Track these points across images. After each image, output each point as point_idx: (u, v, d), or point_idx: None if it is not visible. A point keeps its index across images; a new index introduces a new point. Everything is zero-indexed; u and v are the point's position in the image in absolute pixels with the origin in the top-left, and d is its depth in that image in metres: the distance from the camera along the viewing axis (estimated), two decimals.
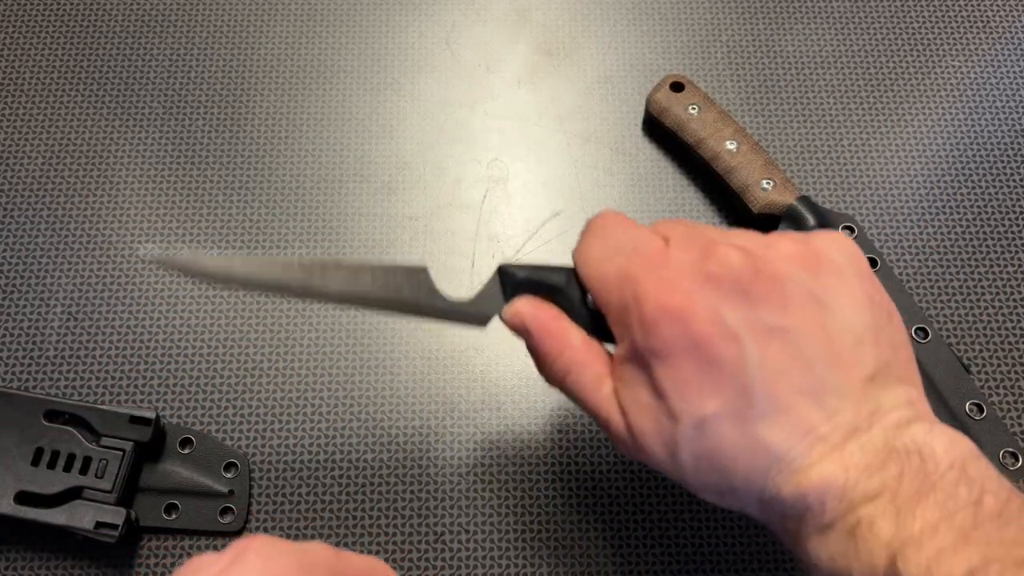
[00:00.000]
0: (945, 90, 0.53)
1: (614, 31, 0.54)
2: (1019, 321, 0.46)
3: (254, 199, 0.49)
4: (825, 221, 0.45)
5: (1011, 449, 0.40)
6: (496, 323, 0.35)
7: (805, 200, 0.45)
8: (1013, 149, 0.51)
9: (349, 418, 0.44)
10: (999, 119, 0.52)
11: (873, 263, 0.44)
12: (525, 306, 0.34)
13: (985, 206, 0.49)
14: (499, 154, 0.51)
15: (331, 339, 0.45)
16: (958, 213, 0.49)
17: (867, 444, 0.27)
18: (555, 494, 0.42)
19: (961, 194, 0.50)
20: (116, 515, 0.38)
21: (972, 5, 0.55)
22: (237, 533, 0.41)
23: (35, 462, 0.39)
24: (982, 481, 0.26)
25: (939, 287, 0.47)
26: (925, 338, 0.42)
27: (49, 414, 0.41)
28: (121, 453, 0.40)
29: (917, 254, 0.48)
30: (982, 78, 0.53)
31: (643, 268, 0.31)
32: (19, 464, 0.39)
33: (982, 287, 0.47)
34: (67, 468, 0.39)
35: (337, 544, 0.41)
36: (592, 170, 0.50)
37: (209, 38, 0.53)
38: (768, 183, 0.46)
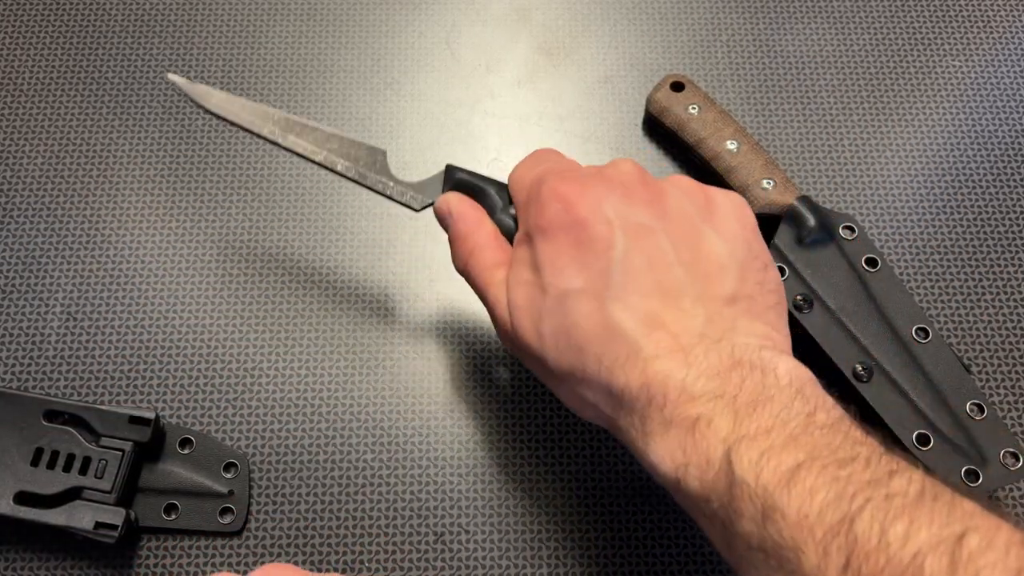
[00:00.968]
0: (945, 90, 0.53)
1: (614, 31, 0.54)
2: (1019, 321, 0.46)
3: (254, 199, 0.49)
4: (825, 221, 0.45)
5: (1011, 449, 0.40)
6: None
7: (805, 200, 0.45)
8: (1013, 149, 0.51)
9: (349, 418, 0.44)
10: (999, 119, 0.52)
11: (873, 263, 0.44)
12: (454, 197, 0.38)
13: (985, 206, 0.49)
14: (499, 154, 0.50)
15: (331, 339, 0.45)
16: (958, 213, 0.49)
17: (713, 350, 0.29)
18: (555, 494, 0.42)
19: (961, 194, 0.50)
20: (115, 515, 0.38)
21: (972, 5, 0.55)
22: (237, 533, 0.41)
23: (34, 462, 0.39)
24: (816, 400, 0.28)
25: (939, 287, 0.47)
26: (925, 338, 0.42)
27: (48, 414, 0.41)
28: (121, 453, 0.40)
29: (917, 254, 0.48)
30: (982, 78, 0.53)
31: (553, 172, 0.35)
32: (18, 464, 0.39)
33: (982, 287, 0.47)
34: (66, 468, 0.39)
35: (337, 544, 0.41)
36: None
37: (209, 38, 0.53)
38: (768, 183, 0.46)
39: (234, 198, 0.49)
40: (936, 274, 0.48)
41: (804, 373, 0.29)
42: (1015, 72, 0.53)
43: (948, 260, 0.48)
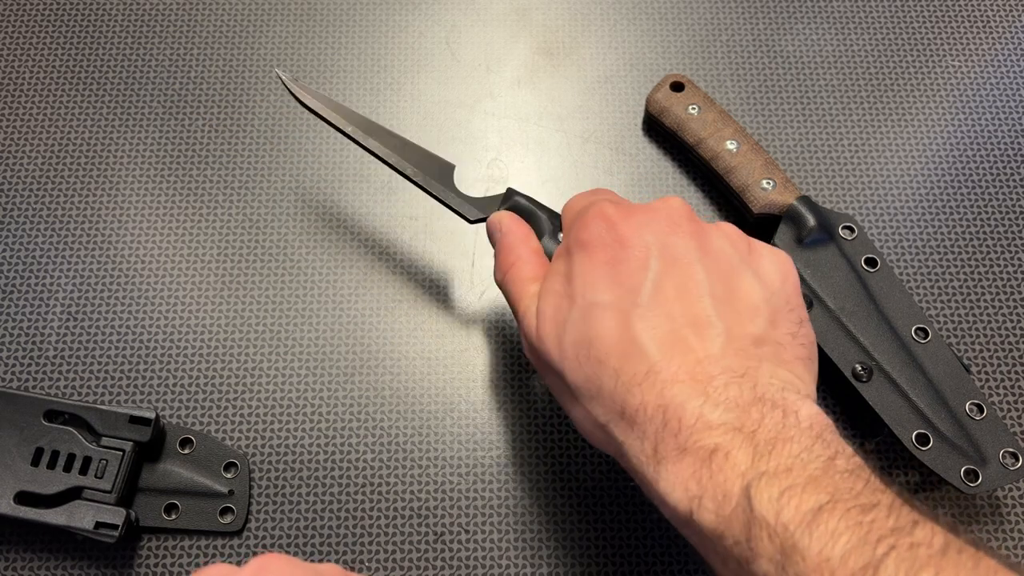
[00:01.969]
0: (945, 90, 0.53)
1: (614, 31, 0.54)
2: (1019, 321, 0.46)
3: (254, 199, 0.49)
4: (825, 221, 0.45)
5: (1011, 449, 0.40)
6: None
7: (805, 200, 0.45)
8: (1013, 149, 0.51)
9: (349, 418, 0.44)
10: (999, 119, 0.52)
11: (873, 263, 0.44)
12: (505, 215, 0.39)
13: (985, 206, 0.49)
14: (499, 153, 0.51)
15: (331, 339, 0.45)
16: (958, 213, 0.49)
17: (734, 383, 0.29)
18: (555, 494, 0.42)
19: (961, 194, 0.50)
20: (116, 515, 0.38)
21: (972, 5, 0.55)
22: (237, 533, 0.41)
23: (35, 462, 0.39)
24: (836, 445, 0.28)
25: (939, 287, 0.47)
26: (925, 338, 0.42)
27: (49, 414, 0.41)
28: (121, 453, 0.40)
29: (917, 254, 0.48)
30: (982, 78, 0.53)
31: (605, 199, 0.35)
32: (19, 464, 0.39)
33: (982, 287, 0.47)
34: (67, 468, 0.39)
35: (337, 544, 0.41)
36: (592, 170, 0.50)
37: (209, 38, 0.53)
38: (768, 183, 0.46)
39: (234, 198, 0.49)
40: (936, 274, 0.48)
41: (825, 420, 0.29)
42: (1015, 72, 0.53)
43: (948, 260, 0.48)
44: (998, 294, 0.47)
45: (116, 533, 0.38)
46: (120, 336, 0.45)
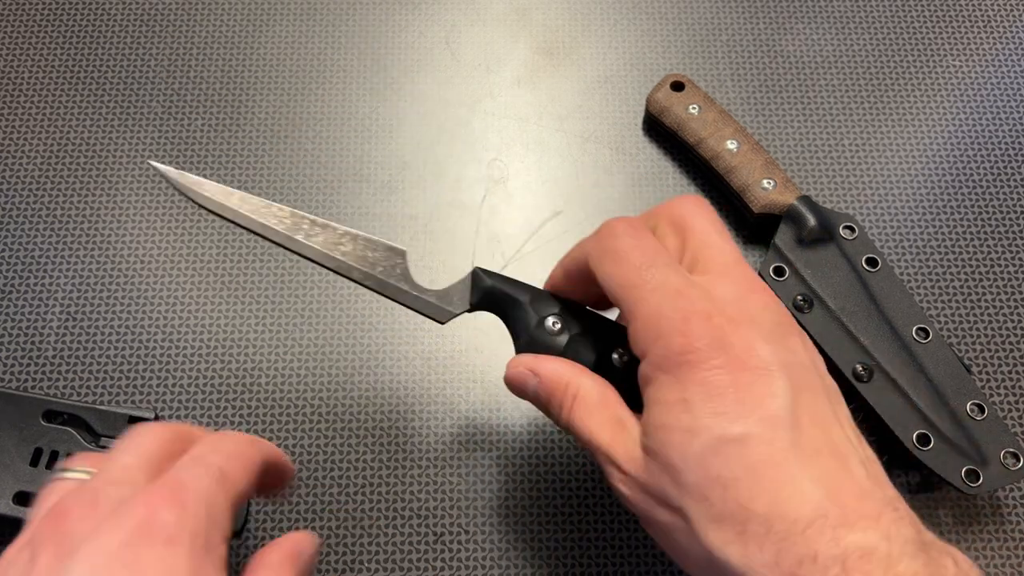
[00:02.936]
0: (945, 90, 0.53)
1: (614, 31, 0.54)
2: (1020, 321, 0.46)
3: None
4: (825, 221, 0.45)
5: (1012, 449, 0.40)
6: (455, 322, 0.37)
7: (805, 200, 0.45)
8: (1013, 149, 0.51)
9: (349, 418, 0.44)
10: (999, 119, 0.52)
11: (873, 263, 0.44)
12: (528, 358, 0.34)
13: (985, 206, 0.49)
14: (499, 154, 0.50)
15: (331, 339, 0.45)
16: (958, 213, 0.49)
17: (901, 521, 0.26)
18: (555, 494, 0.42)
19: (961, 194, 0.50)
20: None
21: (972, 5, 0.55)
22: (237, 534, 0.41)
23: (34, 462, 0.39)
24: None
25: (939, 287, 0.47)
26: (925, 338, 0.42)
27: (48, 414, 0.40)
28: None
29: (917, 254, 0.48)
30: (982, 78, 0.53)
31: (678, 282, 0.30)
32: (18, 464, 0.39)
33: (982, 287, 0.47)
34: None
35: (337, 544, 0.41)
36: (592, 170, 0.50)
37: (209, 38, 0.53)
38: (768, 183, 0.46)
39: None
40: (936, 274, 0.48)
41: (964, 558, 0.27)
42: (1015, 72, 0.53)
43: (948, 260, 0.48)
44: (999, 294, 0.47)
45: None
46: (119, 336, 0.45)
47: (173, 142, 0.50)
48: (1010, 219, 0.49)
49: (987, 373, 0.45)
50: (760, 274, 0.44)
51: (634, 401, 0.31)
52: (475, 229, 0.48)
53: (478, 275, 0.35)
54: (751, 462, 0.26)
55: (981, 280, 0.47)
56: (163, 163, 0.47)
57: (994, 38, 0.55)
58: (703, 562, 0.27)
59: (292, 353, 0.45)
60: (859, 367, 0.42)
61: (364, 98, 0.52)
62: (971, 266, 0.48)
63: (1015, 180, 0.50)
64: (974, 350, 0.46)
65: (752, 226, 0.47)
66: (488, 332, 0.46)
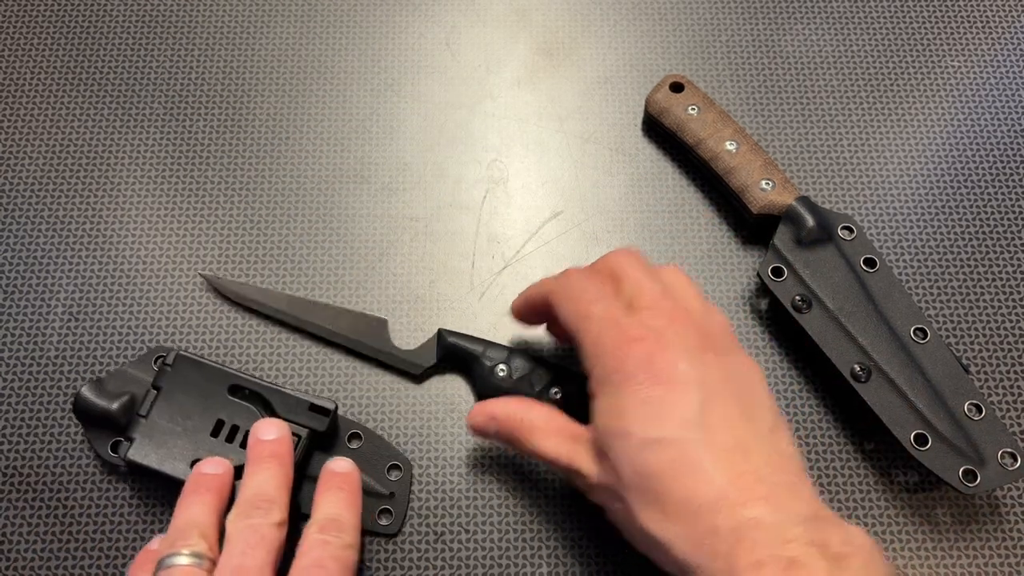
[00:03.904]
0: (945, 90, 0.53)
1: (614, 31, 0.54)
2: (1019, 321, 0.46)
3: (254, 200, 0.49)
4: (824, 221, 0.45)
5: (1010, 449, 0.40)
6: (428, 383, 0.45)
7: (805, 200, 0.46)
8: (1013, 149, 0.51)
9: (348, 419, 0.44)
10: (999, 119, 0.52)
11: (872, 263, 0.44)
12: (482, 406, 0.40)
13: (985, 206, 0.50)
14: (499, 154, 0.51)
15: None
16: (958, 213, 0.49)
17: (794, 498, 0.32)
18: (555, 494, 0.42)
19: (961, 194, 0.50)
20: None
21: (972, 5, 0.55)
22: (392, 536, 0.41)
23: (215, 433, 0.40)
24: (892, 567, 0.31)
25: (939, 287, 0.47)
26: (924, 338, 0.42)
27: (233, 388, 0.41)
28: (297, 439, 0.40)
29: (917, 254, 0.48)
30: (982, 78, 0.53)
31: (620, 318, 0.36)
32: (200, 432, 0.40)
33: (982, 287, 0.47)
34: (244, 444, 0.39)
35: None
36: (592, 170, 0.50)
37: (209, 38, 0.54)
38: (768, 183, 0.46)
39: (235, 199, 0.49)
40: (935, 274, 0.48)
41: (872, 541, 0.32)
42: (1015, 72, 0.53)
43: (947, 260, 0.48)
44: (997, 294, 0.47)
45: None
46: (121, 337, 0.45)
47: (174, 143, 0.50)
48: (1008, 220, 0.49)
49: (985, 373, 0.45)
50: (759, 274, 0.45)
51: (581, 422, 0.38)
52: (475, 230, 0.48)
53: (442, 335, 0.44)
54: (670, 458, 0.33)
55: (979, 281, 0.48)
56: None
57: (993, 39, 0.55)
58: (643, 538, 0.34)
59: (293, 354, 0.45)
60: (857, 367, 0.42)
61: (364, 99, 0.52)
62: (969, 267, 0.48)
63: (1013, 181, 0.50)
64: (972, 350, 0.46)
65: (751, 226, 0.48)
66: (488, 332, 0.46)
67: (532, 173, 0.50)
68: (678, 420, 0.33)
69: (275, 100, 0.52)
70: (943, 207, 0.49)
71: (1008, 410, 0.44)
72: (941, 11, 0.55)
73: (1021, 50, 0.54)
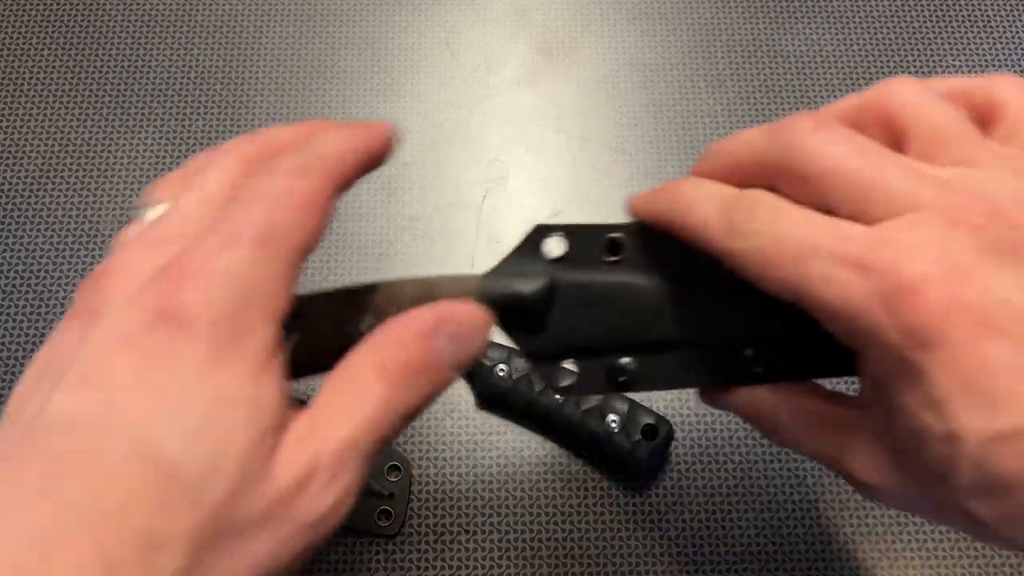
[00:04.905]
0: None
1: (614, 31, 0.54)
2: None
3: None
4: None
5: None
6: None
7: None
8: None
9: None
10: None
11: None
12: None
13: None
14: (499, 154, 0.51)
15: None
16: None
17: None
18: (555, 494, 0.42)
19: None
20: None
21: (972, 5, 0.55)
22: (392, 537, 0.41)
23: None
24: None
25: None
26: None
27: None
28: None
29: None
30: None
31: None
32: None
33: None
34: None
35: (337, 544, 0.41)
36: (592, 170, 0.50)
37: (209, 38, 0.54)
38: None
39: None
40: None
41: None
42: (1015, 72, 0.53)
43: None
44: None
45: None
46: None
47: (173, 142, 0.50)
48: None
49: None
50: None
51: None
52: (475, 230, 0.48)
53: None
54: None
55: None
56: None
57: (994, 38, 0.55)
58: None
59: None
60: None
61: (364, 98, 0.52)
62: None
63: None
64: None
65: None
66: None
67: (532, 173, 0.50)
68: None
69: (275, 100, 0.52)
70: None
71: None
72: (941, 11, 0.55)
73: (1021, 50, 0.54)
